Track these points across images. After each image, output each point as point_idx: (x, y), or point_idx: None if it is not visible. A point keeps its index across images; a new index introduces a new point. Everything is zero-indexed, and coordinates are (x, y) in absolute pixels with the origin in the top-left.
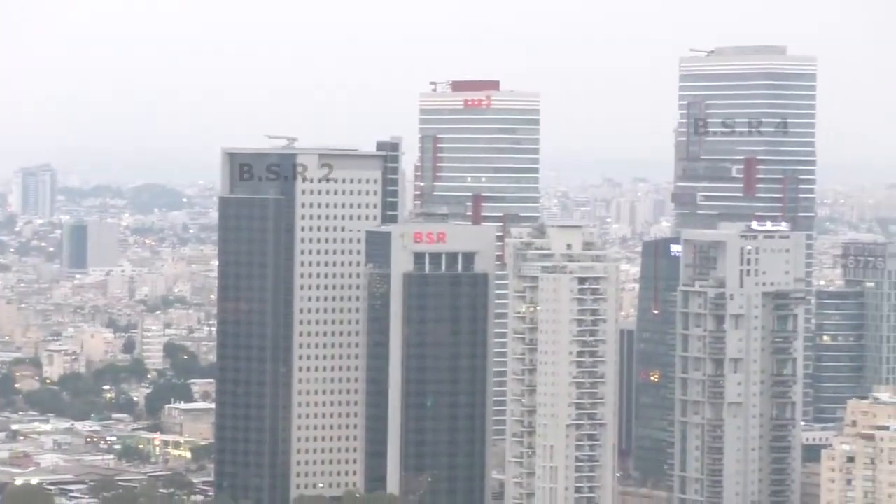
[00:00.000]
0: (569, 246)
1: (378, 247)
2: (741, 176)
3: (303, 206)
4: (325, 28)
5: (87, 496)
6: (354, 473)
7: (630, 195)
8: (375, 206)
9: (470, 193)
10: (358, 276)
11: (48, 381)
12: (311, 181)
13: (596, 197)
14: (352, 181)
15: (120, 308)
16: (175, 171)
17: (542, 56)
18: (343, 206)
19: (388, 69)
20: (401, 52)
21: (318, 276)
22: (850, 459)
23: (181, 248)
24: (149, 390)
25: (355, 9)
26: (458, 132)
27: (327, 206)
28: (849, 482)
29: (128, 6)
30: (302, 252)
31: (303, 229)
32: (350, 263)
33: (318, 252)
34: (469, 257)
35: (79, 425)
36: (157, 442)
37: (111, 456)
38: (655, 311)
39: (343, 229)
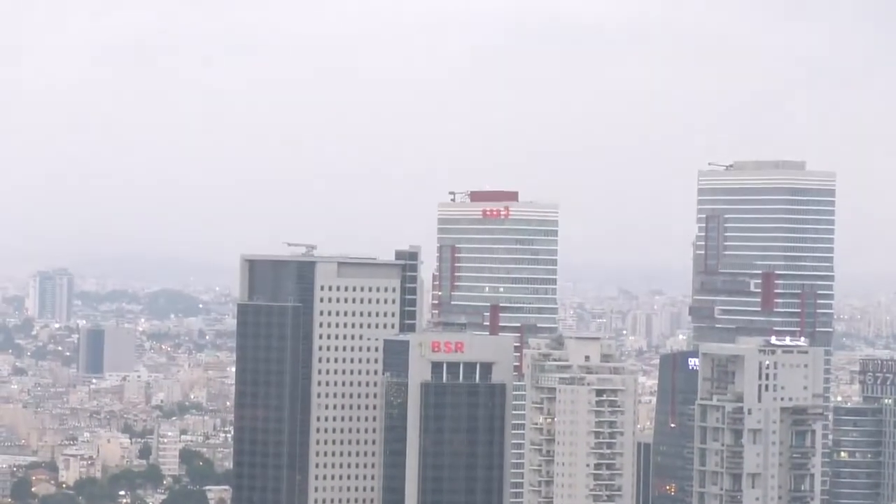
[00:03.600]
0: (587, 358)
1: (396, 355)
2: (759, 290)
3: (321, 313)
4: (345, 138)
5: None
6: None
7: (646, 307)
8: (393, 315)
9: (488, 304)
10: (375, 384)
11: (64, 486)
12: (330, 289)
13: (612, 309)
14: (370, 290)
15: (136, 413)
16: (191, 278)
17: (560, 166)
18: (361, 314)
19: (407, 179)
20: (420, 163)
21: (336, 384)
22: None
23: (197, 354)
24: (164, 496)
25: (374, 119)
26: (477, 242)
27: (345, 314)
28: None
29: (148, 110)
30: (320, 360)
31: (321, 337)
32: (368, 372)
33: (336, 360)
34: (487, 367)
35: None
36: None
37: None
38: (672, 425)
39: (361, 338)
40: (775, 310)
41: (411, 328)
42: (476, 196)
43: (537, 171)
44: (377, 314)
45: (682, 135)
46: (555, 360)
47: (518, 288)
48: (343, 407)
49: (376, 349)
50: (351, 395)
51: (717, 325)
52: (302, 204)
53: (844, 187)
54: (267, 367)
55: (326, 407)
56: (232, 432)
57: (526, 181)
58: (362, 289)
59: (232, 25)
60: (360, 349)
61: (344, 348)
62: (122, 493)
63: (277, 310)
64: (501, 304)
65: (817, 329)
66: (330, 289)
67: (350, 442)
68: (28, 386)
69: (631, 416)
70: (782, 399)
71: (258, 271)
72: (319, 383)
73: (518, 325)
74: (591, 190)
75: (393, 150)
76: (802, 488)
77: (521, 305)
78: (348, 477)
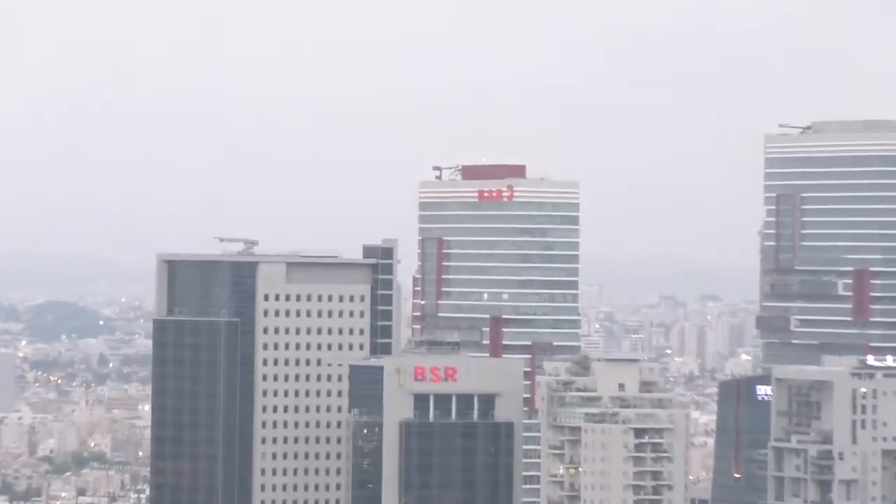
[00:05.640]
0: (621, 386)
1: (366, 386)
2: (849, 293)
3: (265, 331)
4: (296, 104)
5: None
6: None
7: (697, 318)
8: (362, 333)
9: (487, 315)
10: (339, 425)
11: None
12: (277, 299)
13: (652, 320)
14: (330, 299)
15: (17, 468)
16: (89, 286)
17: (580, 137)
18: (319, 332)
19: (378, 153)
20: (395, 132)
21: (286, 425)
22: None
23: (98, 388)
24: None
25: (346, 83)
26: (472, 233)
27: (297, 331)
28: None
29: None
30: (264, 393)
31: (265, 363)
32: (329, 409)
33: (286, 393)
34: (488, 401)
35: None
36: None
37: None
38: (737, 475)
39: (319, 363)
40: (871, 319)
41: (386, 350)
42: (469, 172)
43: (549, 142)
44: (340, 331)
45: (743, 93)
46: (578, 389)
47: (527, 294)
48: (296, 456)
49: (340, 378)
50: (306, 441)
51: (794, 341)
52: (237, 189)
53: None
54: (194, 403)
55: (274, 456)
56: (147, 492)
57: (535, 154)
58: (320, 297)
59: None
60: (319, 378)
61: (297, 377)
62: None
63: (206, 327)
64: (505, 316)
65: None
66: (277, 298)
67: (306, 502)
68: None
69: (681, 465)
70: (884, 439)
71: (180, 275)
72: (264, 425)
73: (528, 343)
74: (621, 165)
75: (360, 118)
76: None
77: (532, 317)
78: None
